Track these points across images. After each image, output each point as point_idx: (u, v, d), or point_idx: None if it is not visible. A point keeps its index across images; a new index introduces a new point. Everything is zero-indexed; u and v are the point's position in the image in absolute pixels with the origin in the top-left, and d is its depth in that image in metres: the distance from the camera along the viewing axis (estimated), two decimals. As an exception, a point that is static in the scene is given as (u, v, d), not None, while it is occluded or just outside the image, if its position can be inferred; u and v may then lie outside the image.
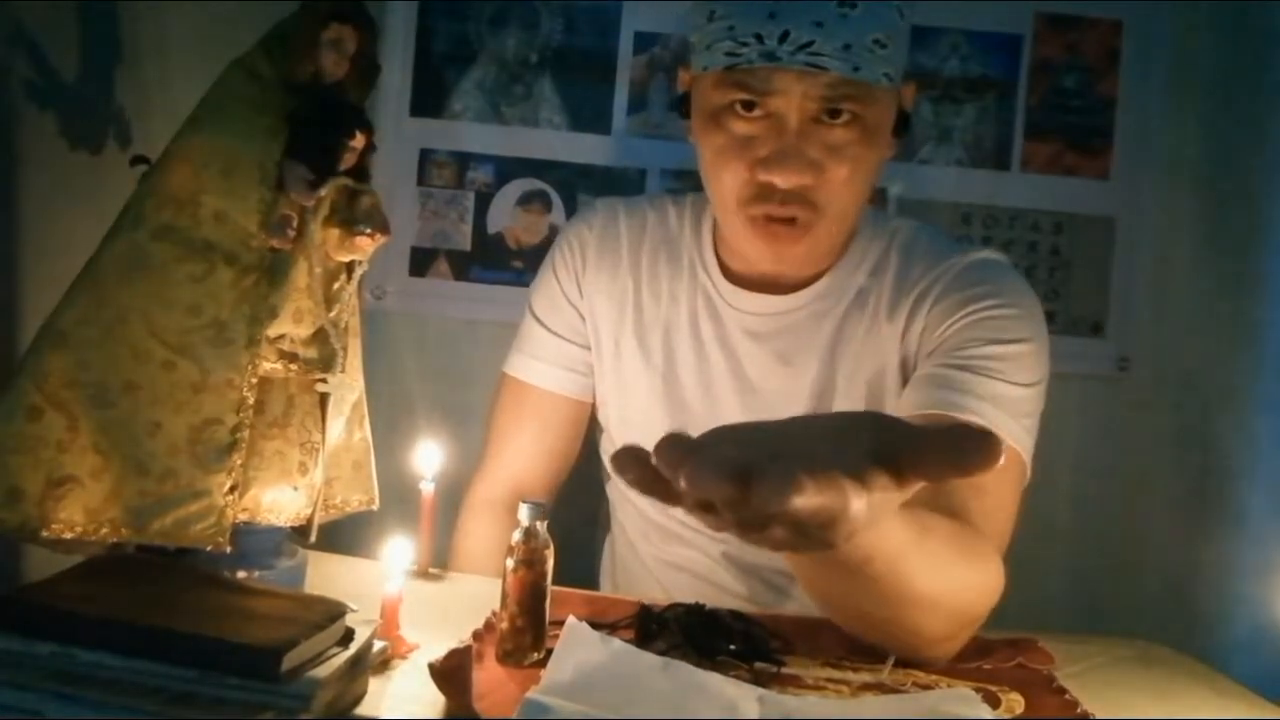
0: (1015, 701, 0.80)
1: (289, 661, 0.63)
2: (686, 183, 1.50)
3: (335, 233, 0.83)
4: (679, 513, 0.87)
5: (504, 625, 0.80)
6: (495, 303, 1.52)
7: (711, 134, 1.01)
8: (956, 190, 1.54)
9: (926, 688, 0.82)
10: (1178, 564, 1.42)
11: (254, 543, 0.82)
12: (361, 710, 0.71)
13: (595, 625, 0.83)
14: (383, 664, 0.77)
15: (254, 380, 0.76)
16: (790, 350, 1.09)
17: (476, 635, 0.81)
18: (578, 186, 1.54)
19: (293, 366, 0.81)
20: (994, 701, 0.79)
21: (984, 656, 0.88)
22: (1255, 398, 1.31)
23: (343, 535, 0.97)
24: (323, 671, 0.65)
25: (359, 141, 0.82)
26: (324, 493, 0.87)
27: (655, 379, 1.14)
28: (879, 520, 0.63)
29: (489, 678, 0.76)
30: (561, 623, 0.81)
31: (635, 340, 1.15)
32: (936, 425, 0.56)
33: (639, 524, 1.18)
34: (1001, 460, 0.53)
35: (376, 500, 0.94)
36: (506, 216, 1.55)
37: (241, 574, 0.79)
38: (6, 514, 0.71)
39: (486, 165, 1.55)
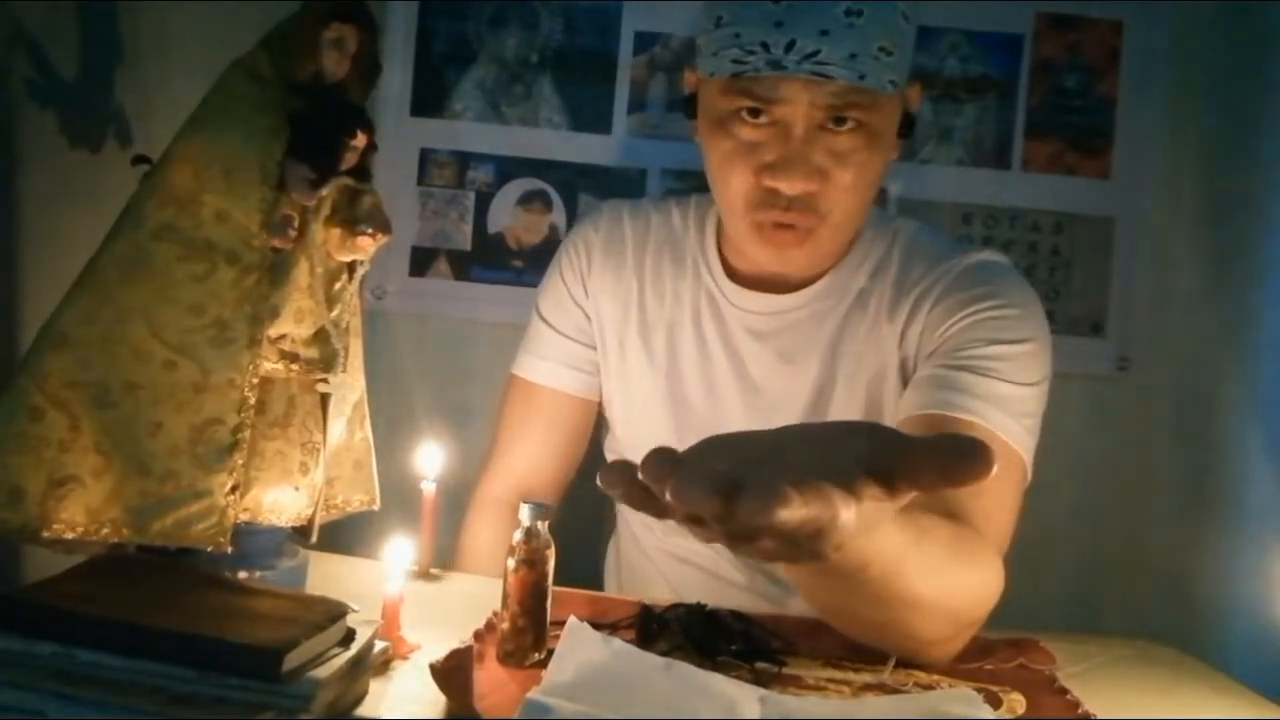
0: (1017, 702, 0.80)
1: (290, 662, 0.63)
2: (687, 183, 1.51)
3: (336, 232, 0.83)
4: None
5: (505, 625, 0.80)
6: (496, 302, 1.53)
7: (718, 139, 1.01)
8: (957, 190, 1.54)
9: (928, 688, 0.82)
10: (1178, 564, 1.42)
11: (255, 543, 0.82)
12: (362, 711, 0.71)
13: (596, 625, 0.83)
14: (384, 664, 0.76)
15: (255, 380, 0.76)
16: (792, 349, 1.10)
17: (477, 635, 0.81)
18: (578, 186, 1.54)
19: (294, 366, 0.81)
20: (995, 702, 0.79)
21: (985, 657, 0.88)
22: (1255, 397, 1.31)
23: (344, 535, 0.97)
24: (324, 672, 0.65)
25: (360, 141, 0.82)
26: (325, 493, 0.87)
27: (659, 378, 1.14)
28: (873, 528, 0.63)
29: (490, 678, 0.76)
30: (563, 623, 0.81)
31: (639, 340, 1.16)
32: (930, 435, 0.56)
33: (643, 516, 1.18)
34: (994, 471, 0.53)
35: (378, 500, 0.94)
36: (507, 216, 1.55)
37: (243, 574, 0.79)
38: (8, 514, 0.71)
39: (487, 165, 1.55)
